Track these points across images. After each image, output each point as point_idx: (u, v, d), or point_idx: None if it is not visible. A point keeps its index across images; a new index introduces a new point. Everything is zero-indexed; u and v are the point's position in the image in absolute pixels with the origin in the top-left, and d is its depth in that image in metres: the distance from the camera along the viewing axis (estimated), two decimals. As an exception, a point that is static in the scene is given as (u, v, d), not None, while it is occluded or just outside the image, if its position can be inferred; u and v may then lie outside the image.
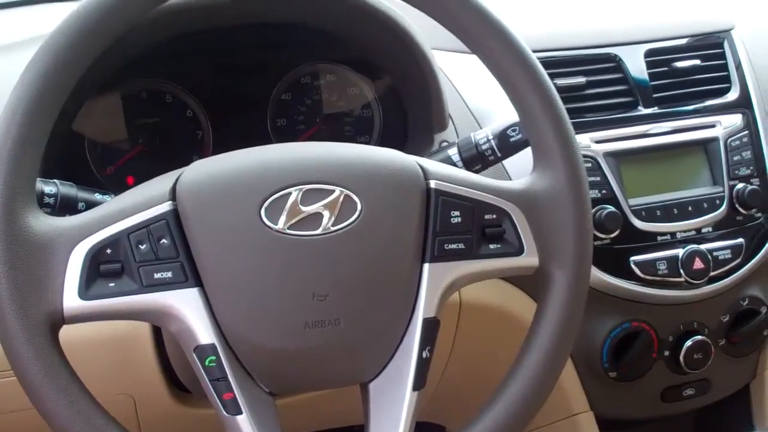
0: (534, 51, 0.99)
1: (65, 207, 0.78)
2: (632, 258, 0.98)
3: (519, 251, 0.71)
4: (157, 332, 0.88)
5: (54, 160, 0.88)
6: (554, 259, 0.72)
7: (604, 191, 0.98)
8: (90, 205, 0.79)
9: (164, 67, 0.97)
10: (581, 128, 1.00)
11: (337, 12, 0.92)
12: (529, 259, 0.71)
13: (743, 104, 1.07)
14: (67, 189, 0.78)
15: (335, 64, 1.03)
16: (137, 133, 0.97)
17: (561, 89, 1.00)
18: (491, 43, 0.72)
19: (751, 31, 1.15)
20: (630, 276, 0.98)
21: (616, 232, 0.97)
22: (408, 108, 1.02)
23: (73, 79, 0.65)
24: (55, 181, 0.78)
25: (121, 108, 0.97)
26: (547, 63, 1.01)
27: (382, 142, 1.04)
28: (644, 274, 0.98)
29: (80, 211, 0.75)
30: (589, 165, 0.98)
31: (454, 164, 0.86)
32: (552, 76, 0.99)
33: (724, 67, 1.09)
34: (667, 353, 1.01)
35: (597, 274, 0.97)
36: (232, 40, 0.97)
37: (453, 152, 0.86)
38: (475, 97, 1.01)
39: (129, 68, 0.93)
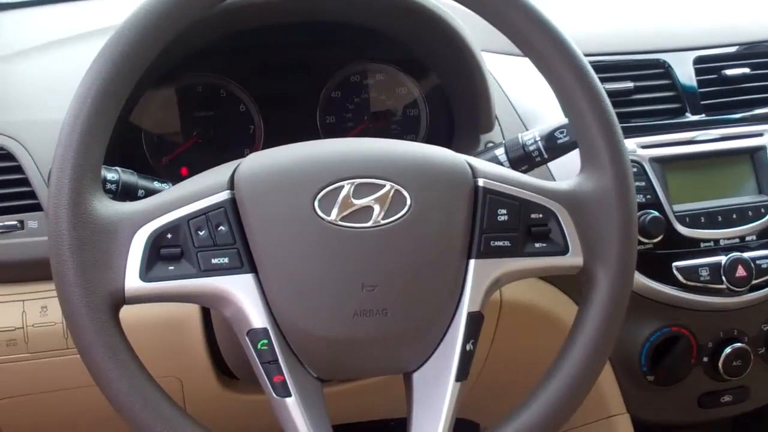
0: (584, 54, 1.02)
1: (126, 193, 0.81)
2: (675, 263, 0.98)
3: (564, 251, 0.72)
4: (207, 318, 0.90)
5: (112, 149, 0.91)
6: (598, 261, 0.73)
7: (648, 196, 0.98)
8: (149, 192, 0.82)
9: (220, 62, 1.00)
10: (628, 133, 0.98)
11: (387, 11, 0.94)
12: (574, 259, 0.73)
13: (792, 114, 1.07)
14: (129, 176, 0.81)
15: (384, 63, 1.05)
16: (192, 125, 1.00)
17: (609, 93, 0.98)
18: (543, 45, 0.74)
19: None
20: (672, 281, 0.99)
21: (660, 237, 0.97)
22: (455, 108, 1.03)
23: (138, 71, 0.68)
24: (117, 168, 0.81)
25: (177, 101, 1.00)
26: (596, 67, 0.99)
27: (428, 141, 1.05)
28: (686, 279, 0.98)
29: (139, 198, 0.78)
30: (635, 170, 0.98)
31: (501, 164, 0.87)
32: (600, 80, 1.01)
33: (774, 76, 1.09)
34: (705, 359, 1.02)
35: (639, 278, 0.98)
36: (285, 38, 1.00)
37: (500, 152, 0.87)
38: (522, 99, 1.02)
39: (186, 63, 0.96)
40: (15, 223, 0.86)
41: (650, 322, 1.00)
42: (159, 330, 0.89)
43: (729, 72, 1.06)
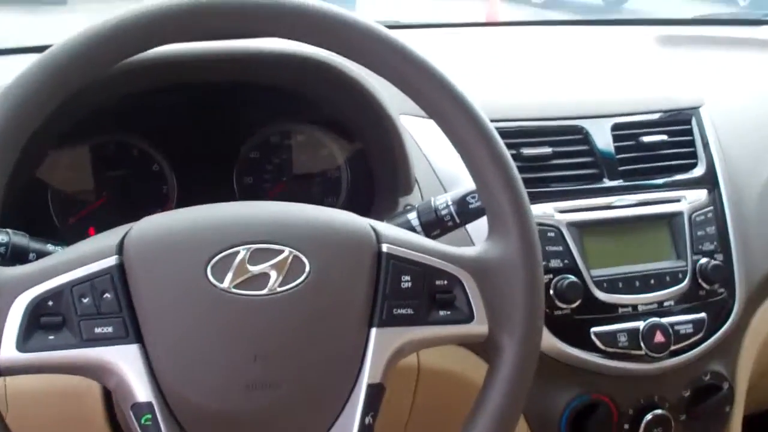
0: (502, 120, 1.03)
1: (16, 256, 0.77)
2: (593, 329, 0.97)
3: (469, 318, 0.71)
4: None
5: (16, 206, 0.88)
6: (503, 328, 0.71)
7: (566, 261, 0.98)
8: (41, 255, 0.78)
9: (133, 120, 0.98)
10: (546, 198, 1.00)
11: (302, 74, 0.94)
12: (479, 327, 0.71)
13: (709, 180, 1.08)
14: (19, 238, 0.78)
15: (305, 124, 1.04)
16: (102, 184, 0.98)
17: (527, 158, 1.02)
18: (448, 110, 0.73)
19: (720, 109, 1.16)
20: (590, 347, 0.97)
21: (577, 303, 0.97)
22: (374, 170, 1.03)
23: (27, 132, 0.65)
24: (8, 230, 0.78)
25: (88, 159, 0.97)
26: (515, 132, 1.03)
27: (349, 204, 1.05)
28: (605, 345, 0.97)
29: (31, 262, 0.74)
30: (552, 235, 0.98)
31: (413, 228, 0.86)
32: (519, 145, 1.03)
33: (691, 143, 1.10)
34: (626, 426, 1.00)
35: (557, 344, 0.97)
36: (202, 96, 0.98)
37: (413, 216, 0.86)
38: (441, 161, 1.01)
39: (98, 120, 0.94)
40: None
41: (570, 389, 0.98)
42: (55, 400, 0.85)
43: (646, 139, 1.07)
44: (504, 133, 1.01)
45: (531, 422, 0.98)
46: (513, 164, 0.74)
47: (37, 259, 0.75)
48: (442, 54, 1.21)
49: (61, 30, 0.76)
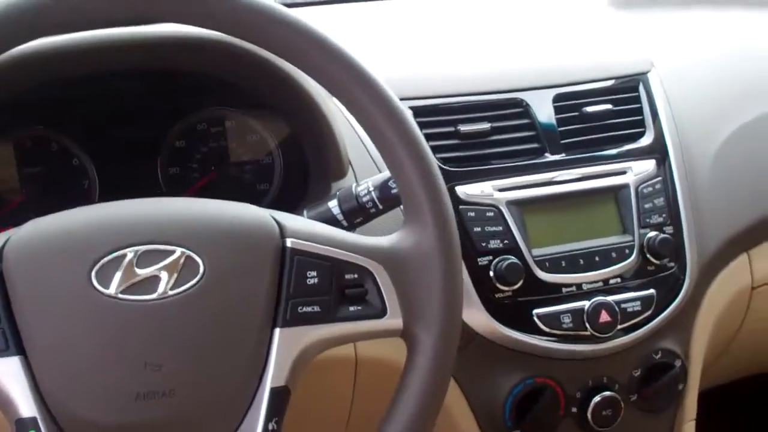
0: (435, 96, 0.99)
1: None
2: (535, 311, 0.94)
3: (381, 313, 0.68)
4: None
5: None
6: (419, 321, 0.68)
7: (506, 241, 0.94)
8: None
9: (49, 113, 0.93)
10: (485, 176, 0.97)
11: (224, 59, 0.89)
12: (392, 321, 0.68)
13: (657, 150, 1.04)
14: None
15: (233, 110, 0.99)
16: (21, 182, 0.93)
17: (465, 135, 0.98)
18: (354, 91, 0.69)
19: (671, 73, 1.12)
20: (534, 330, 0.94)
21: (519, 284, 0.93)
22: (307, 155, 0.99)
23: None
24: None
25: (9, 155, 0.93)
26: (451, 108, 0.99)
27: (283, 190, 1.01)
28: (548, 327, 0.94)
29: None
30: (491, 214, 0.94)
31: (334, 216, 0.83)
32: (456, 122, 0.98)
33: (638, 111, 1.06)
34: (574, 410, 0.97)
35: (498, 328, 0.93)
36: (120, 85, 0.94)
37: (333, 204, 0.83)
38: (375, 144, 0.97)
39: (12, 114, 0.90)
40: None
41: (513, 374, 0.95)
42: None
43: (590, 109, 1.02)
44: (439, 110, 0.99)
45: (475, 409, 0.95)
46: (426, 146, 0.70)
47: None
48: (368, 29, 1.17)
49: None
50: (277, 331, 0.64)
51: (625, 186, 1.00)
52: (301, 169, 1.00)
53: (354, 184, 0.82)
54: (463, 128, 0.98)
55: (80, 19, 0.65)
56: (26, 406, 0.59)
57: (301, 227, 0.68)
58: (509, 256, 0.93)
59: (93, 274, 0.61)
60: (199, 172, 0.99)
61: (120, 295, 0.61)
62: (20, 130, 0.93)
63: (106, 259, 0.61)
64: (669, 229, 1.00)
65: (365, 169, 0.96)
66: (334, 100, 0.93)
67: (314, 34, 0.68)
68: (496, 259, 0.93)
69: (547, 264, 0.95)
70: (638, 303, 0.97)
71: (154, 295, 0.61)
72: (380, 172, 0.97)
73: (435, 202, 0.69)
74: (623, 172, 1.01)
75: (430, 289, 0.68)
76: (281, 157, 1.01)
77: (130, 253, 0.62)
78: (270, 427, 0.63)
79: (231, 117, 1.00)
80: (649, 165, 1.02)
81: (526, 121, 1.00)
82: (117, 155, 0.96)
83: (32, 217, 0.81)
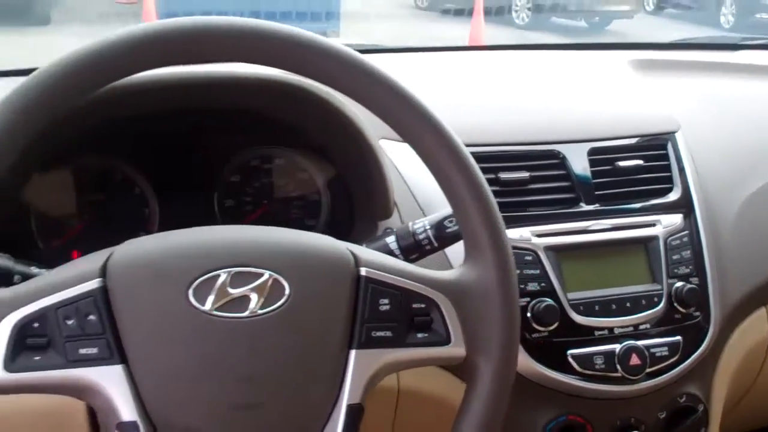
0: (481, 144, 1.04)
1: (1, 278, 0.78)
2: (570, 351, 0.99)
3: (446, 341, 0.72)
4: (93, 410, 0.87)
5: (0, 229, 0.89)
6: (480, 351, 0.73)
7: (543, 284, 0.99)
8: (26, 278, 0.79)
9: (115, 144, 0.99)
10: (523, 222, 1.02)
11: (281, 99, 0.95)
12: (456, 349, 0.72)
13: (684, 205, 1.10)
14: (4, 261, 0.79)
15: (285, 148, 1.05)
16: (85, 208, 0.98)
17: (505, 183, 1.04)
18: (422, 135, 0.74)
19: (696, 135, 1.19)
20: (567, 369, 0.99)
21: (554, 325, 0.98)
22: (354, 194, 1.04)
23: (11, 156, 0.66)
24: None
25: (71, 182, 0.98)
26: (493, 157, 1.05)
27: (329, 227, 1.06)
28: (581, 367, 0.99)
29: (15, 284, 0.75)
30: (530, 258, 1.00)
31: (392, 252, 0.87)
32: (497, 169, 1.04)
33: (667, 168, 1.12)
34: (603, 448, 1.01)
35: (534, 366, 0.98)
36: (183, 121, 0.99)
37: (391, 240, 0.87)
38: (420, 185, 1.03)
39: (80, 144, 0.95)
40: None
41: (546, 411, 0.99)
42: (40, 422, 0.85)
43: (622, 163, 1.09)
44: (482, 158, 1.03)
45: (509, 444, 0.99)
46: (488, 189, 0.75)
47: (22, 281, 0.76)
48: (423, 78, 1.24)
49: (46, 53, 0.77)
50: (353, 352, 0.69)
51: (655, 237, 1.06)
52: (347, 208, 1.05)
53: (411, 223, 0.87)
54: (504, 176, 1.04)
55: (184, 55, 0.70)
56: (127, 411, 0.64)
57: (374, 258, 0.73)
58: (546, 299, 0.98)
59: (191, 291, 0.65)
60: (252, 205, 1.04)
61: (215, 312, 0.65)
62: (87, 159, 0.98)
63: (202, 279, 0.66)
64: (695, 280, 1.06)
65: (409, 208, 1.02)
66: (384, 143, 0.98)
67: (388, 81, 0.74)
68: (534, 301, 0.98)
69: (581, 307, 1.00)
70: (666, 348, 1.02)
71: (245, 313, 0.66)
72: (423, 211, 1.03)
73: (495, 240, 0.74)
74: (653, 224, 1.06)
75: (491, 321, 0.73)
76: (328, 195, 1.06)
77: (223, 274, 0.66)
78: None
79: (282, 155, 1.05)
80: (676, 219, 1.08)
81: (562, 171, 1.07)
82: (176, 186, 1.01)
83: (94, 242, 0.86)
